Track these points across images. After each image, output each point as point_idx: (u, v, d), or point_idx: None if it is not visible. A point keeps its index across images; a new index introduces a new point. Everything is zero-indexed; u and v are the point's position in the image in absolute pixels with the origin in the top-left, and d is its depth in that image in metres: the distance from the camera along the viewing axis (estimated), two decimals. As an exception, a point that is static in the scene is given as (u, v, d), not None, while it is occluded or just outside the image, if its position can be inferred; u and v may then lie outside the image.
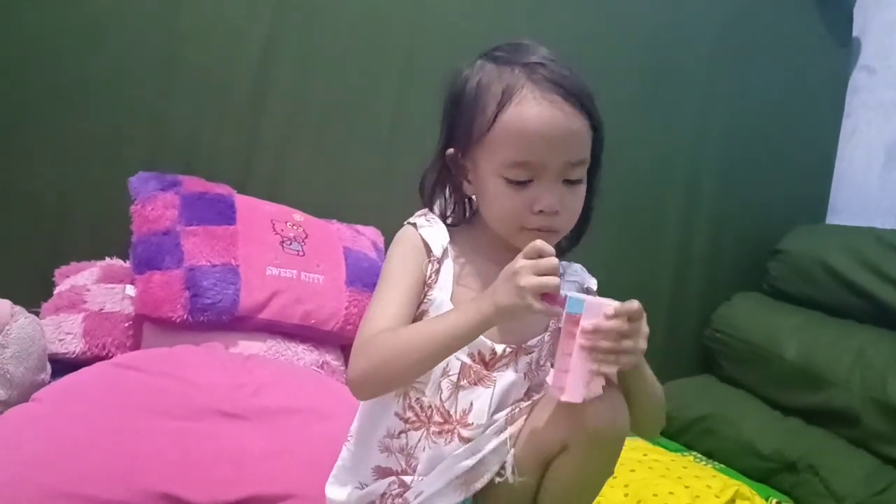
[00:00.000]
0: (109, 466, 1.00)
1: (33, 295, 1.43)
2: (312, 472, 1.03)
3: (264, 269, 1.46)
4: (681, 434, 1.89)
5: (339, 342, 1.53)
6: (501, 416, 0.91)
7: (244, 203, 1.56)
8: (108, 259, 1.55)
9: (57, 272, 1.51)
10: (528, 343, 0.92)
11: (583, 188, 0.90)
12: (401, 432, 0.91)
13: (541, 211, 0.87)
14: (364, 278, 1.54)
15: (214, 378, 1.21)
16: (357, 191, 1.77)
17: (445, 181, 0.95)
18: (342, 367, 1.49)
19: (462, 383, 0.90)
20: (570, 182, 0.88)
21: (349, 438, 0.95)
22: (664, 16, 1.98)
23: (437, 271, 0.91)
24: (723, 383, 1.98)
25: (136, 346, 1.41)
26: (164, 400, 1.13)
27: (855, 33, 2.16)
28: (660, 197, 2.05)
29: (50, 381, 1.24)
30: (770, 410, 1.80)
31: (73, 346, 1.36)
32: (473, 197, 0.95)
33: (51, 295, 1.46)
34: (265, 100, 1.69)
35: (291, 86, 1.70)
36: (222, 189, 1.57)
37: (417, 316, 0.91)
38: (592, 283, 1.01)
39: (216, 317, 1.40)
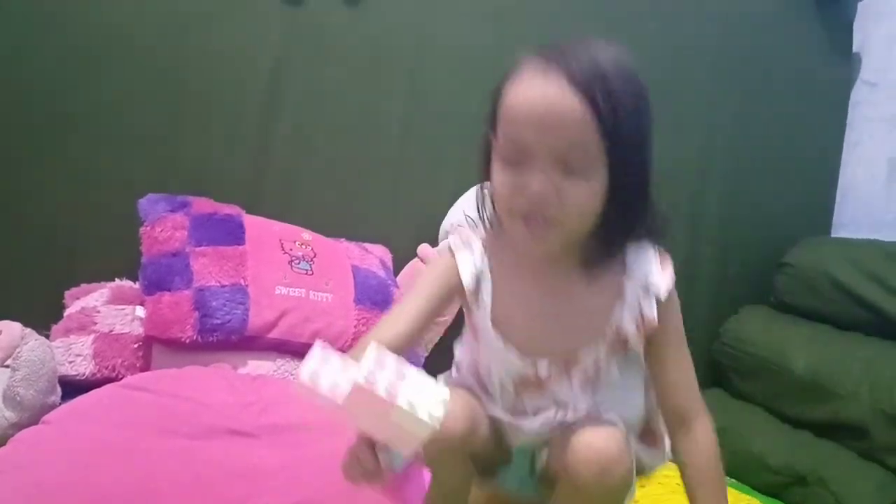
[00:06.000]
0: (120, 487, 1.00)
1: (43, 317, 1.44)
2: (328, 482, 1.03)
3: (273, 288, 1.47)
4: (690, 449, 1.87)
5: (348, 361, 1.53)
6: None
7: (253, 223, 1.57)
8: (117, 280, 1.55)
9: (67, 294, 1.52)
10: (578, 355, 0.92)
11: (587, 183, 0.81)
12: None
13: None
14: (372, 296, 1.55)
15: (223, 397, 1.22)
16: (365, 209, 1.78)
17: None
18: (351, 386, 1.49)
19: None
20: (569, 171, 0.80)
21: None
22: (666, 29, 1.99)
23: (476, 299, 0.93)
24: (732, 397, 1.97)
25: (145, 367, 1.41)
26: (173, 420, 1.14)
27: (855, 48, 2.17)
28: (665, 210, 2.05)
29: (60, 404, 1.24)
30: (780, 424, 1.79)
31: (83, 368, 1.36)
32: None
33: (61, 317, 1.46)
34: (273, 121, 1.71)
35: (299, 106, 1.72)
36: (231, 209, 1.58)
37: (469, 336, 0.97)
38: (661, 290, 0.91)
39: (225, 337, 1.40)
